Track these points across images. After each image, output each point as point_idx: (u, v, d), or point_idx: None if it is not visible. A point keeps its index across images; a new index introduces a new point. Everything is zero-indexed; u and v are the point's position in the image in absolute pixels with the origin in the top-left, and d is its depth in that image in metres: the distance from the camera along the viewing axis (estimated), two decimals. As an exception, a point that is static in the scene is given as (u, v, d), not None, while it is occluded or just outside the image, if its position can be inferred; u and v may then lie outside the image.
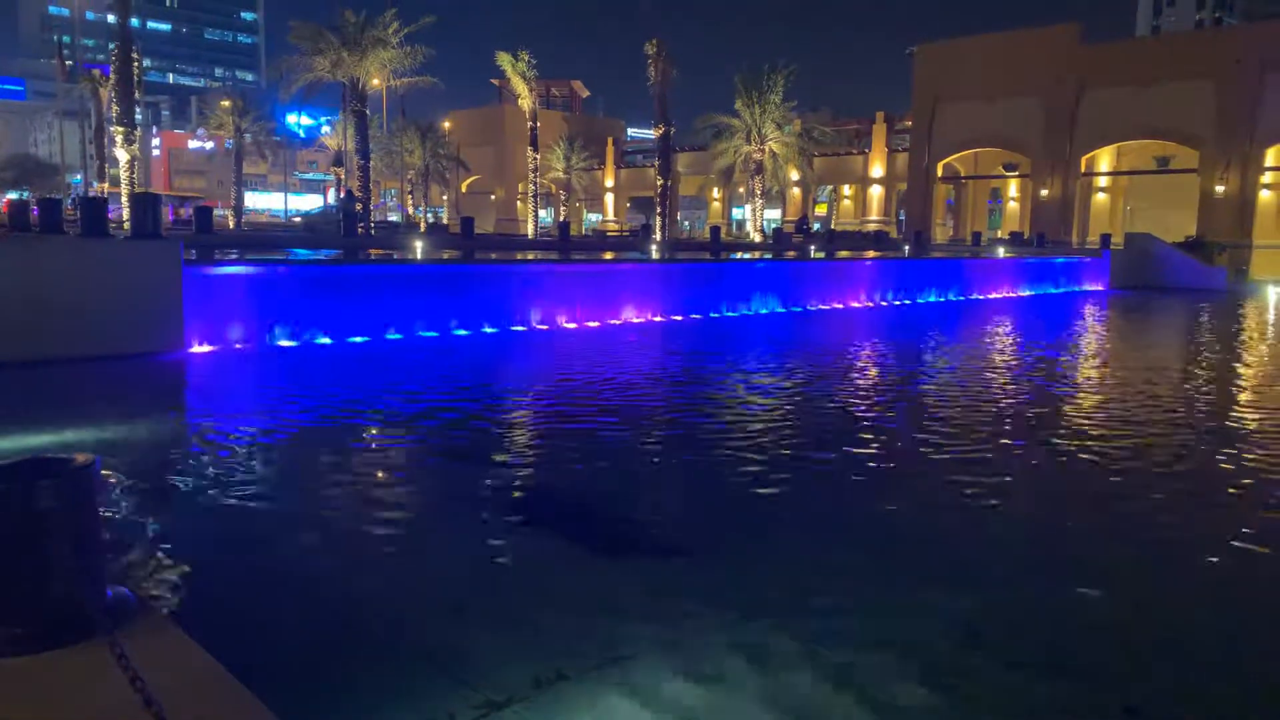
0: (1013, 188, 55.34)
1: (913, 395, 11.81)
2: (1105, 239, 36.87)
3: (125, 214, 28.94)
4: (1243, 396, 12.49)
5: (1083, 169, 46.90)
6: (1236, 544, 5.87)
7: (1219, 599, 5.08)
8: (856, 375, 13.67)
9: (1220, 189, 40.95)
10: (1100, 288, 33.64)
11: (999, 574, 5.35)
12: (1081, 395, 12.30)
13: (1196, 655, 4.34)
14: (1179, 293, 31.92)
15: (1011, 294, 29.72)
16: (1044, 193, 47.07)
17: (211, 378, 12.00)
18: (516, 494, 6.77)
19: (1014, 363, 15.41)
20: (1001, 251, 34.18)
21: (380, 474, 7.49)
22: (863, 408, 10.79)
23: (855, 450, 8.39)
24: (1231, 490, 7.32)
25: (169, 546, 5.27)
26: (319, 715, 3.50)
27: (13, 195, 78.60)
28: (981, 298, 28.22)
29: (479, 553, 5.35)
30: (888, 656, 4.09)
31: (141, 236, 13.05)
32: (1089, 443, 8.88)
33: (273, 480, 7.02)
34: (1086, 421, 10.21)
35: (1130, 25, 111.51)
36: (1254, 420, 10.45)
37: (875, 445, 8.73)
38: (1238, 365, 15.94)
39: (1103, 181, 49.59)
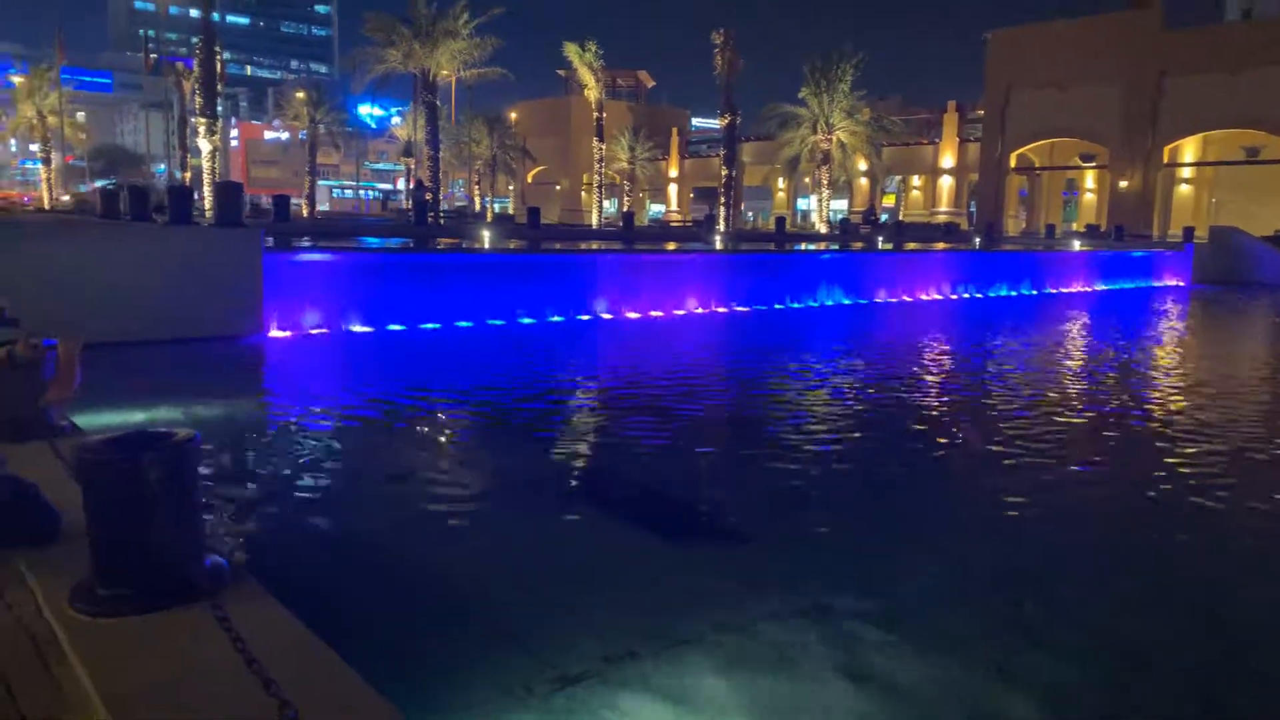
0: (1090, 179, 53.63)
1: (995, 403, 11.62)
2: (1188, 232, 35.52)
3: (207, 202, 29.99)
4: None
5: (1165, 160, 45.22)
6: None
7: None
8: (942, 381, 13.50)
9: (1313, 180, 39.11)
10: (1182, 283, 32.44)
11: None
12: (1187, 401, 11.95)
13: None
14: (1267, 288, 30.59)
15: (1086, 288, 28.88)
16: (1123, 184, 45.53)
17: (294, 360, 12.43)
18: (593, 476, 6.90)
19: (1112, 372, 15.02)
20: (1077, 244, 33.19)
21: (456, 454, 7.69)
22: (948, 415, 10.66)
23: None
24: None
25: (262, 518, 5.52)
26: (403, 684, 3.64)
27: (101, 183, 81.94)
28: (1054, 292, 27.49)
29: (556, 529, 5.48)
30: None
31: (225, 224, 13.54)
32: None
33: (360, 457, 7.26)
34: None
35: (1218, 9, 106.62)
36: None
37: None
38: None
39: (1186, 173, 47.74)
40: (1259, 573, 5.39)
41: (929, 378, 12.70)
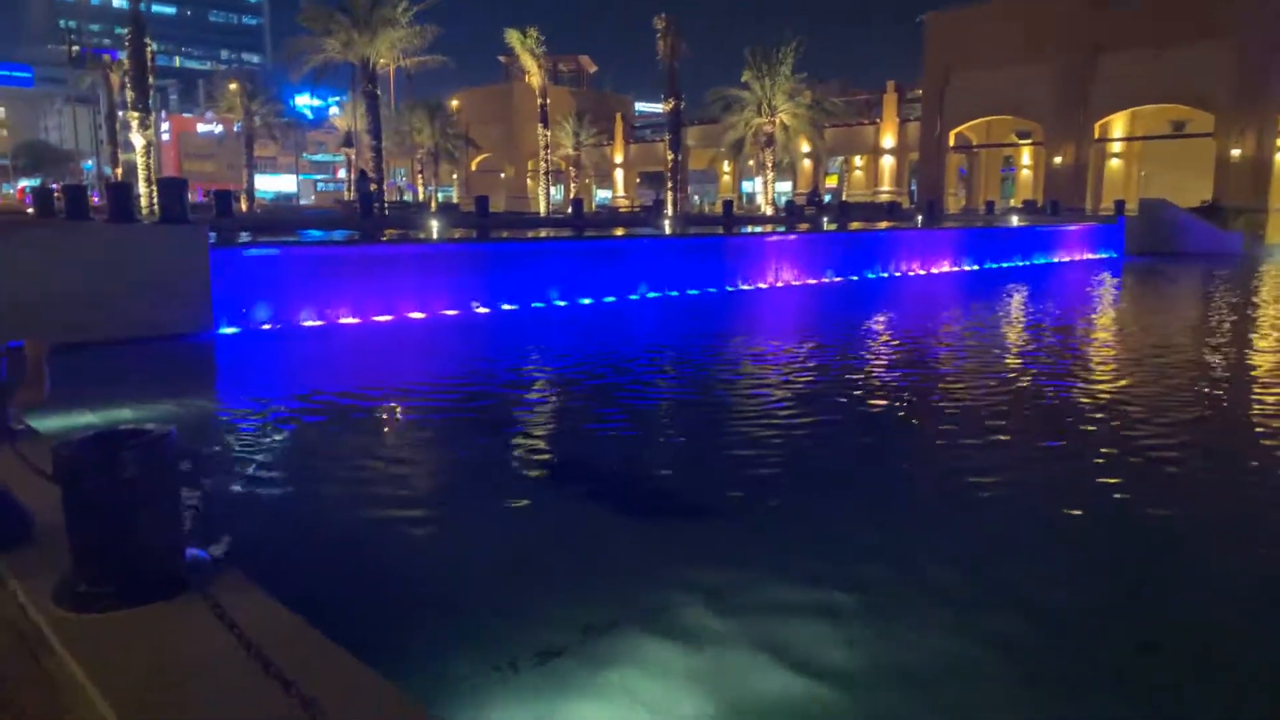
0: (1026, 156, 54.95)
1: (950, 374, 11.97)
2: (1119, 205, 36.71)
3: (144, 198, 29.20)
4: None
5: (1096, 135, 46.52)
6: None
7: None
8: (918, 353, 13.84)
9: (1236, 153, 40.60)
10: (1115, 255, 33.53)
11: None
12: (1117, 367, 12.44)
13: None
14: (1195, 258, 31.78)
15: (1025, 262, 29.69)
16: (1057, 160, 46.76)
17: (245, 356, 12.30)
18: (561, 462, 7.01)
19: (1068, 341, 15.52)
20: (1015, 220, 34.09)
21: (424, 443, 7.74)
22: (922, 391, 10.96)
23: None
24: None
25: (238, 513, 5.54)
26: (394, 663, 3.74)
27: (25, 183, 78.94)
28: (995, 266, 28.23)
29: (529, 512, 5.60)
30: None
31: (170, 221, 13.28)
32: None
33: (326, 451, 7.26)
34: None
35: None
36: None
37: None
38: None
39: (1117, 147, 49.18)
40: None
41: (885, 356, 13.03)
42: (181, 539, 3.74)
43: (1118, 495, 6.22)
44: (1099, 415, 8.58)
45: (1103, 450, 7.32)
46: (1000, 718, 3.57)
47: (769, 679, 3.65)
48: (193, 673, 2.97)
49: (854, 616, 4.20)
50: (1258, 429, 8.40)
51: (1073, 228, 33.53)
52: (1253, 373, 11.40)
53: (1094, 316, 17.92)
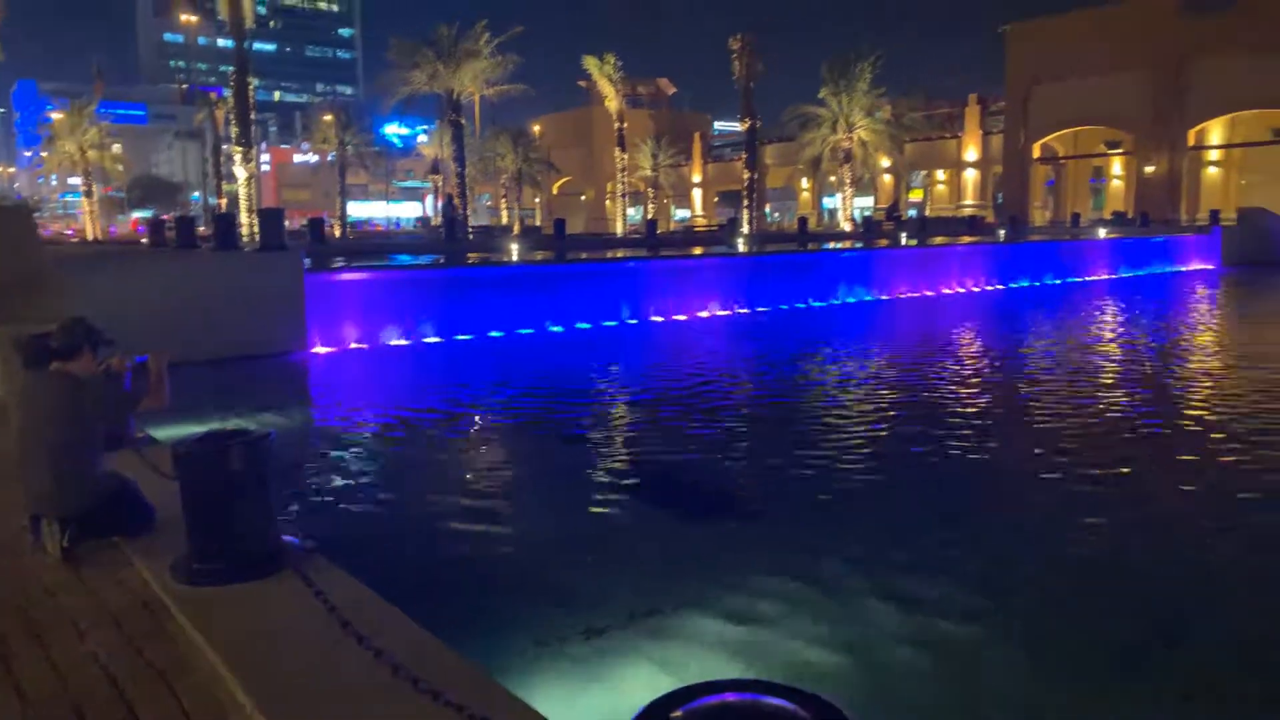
0: (1116, 166, 53.30)
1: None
2: (1214, 215, 35.39)
3: (245, 227, 31.04)
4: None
5: (1191, 143, 44.91)
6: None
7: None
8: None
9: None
10: (1211, 266, 32.35)
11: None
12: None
13: None
14: (1296, 268, 30.42)
15: (1111, 275, 28.95)
16: (1149, 170, 45.31)
17: (339, 374, 13.18)
18: (626, 469, 7.46)
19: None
20: (1102, 232, 33.23)
21: (497, 449, 8.29)
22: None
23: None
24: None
25: (328, 507, 6.15)
26: (453, 637, 4.22)
27: (138, 214, 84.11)
28: (1079, 280, 27.61)
29: (588, 511, 6.05)
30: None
31: (269, 248, 14.30)
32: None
33: (408, 457, 7.89)
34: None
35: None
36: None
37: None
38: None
39: (1214, 155, 47.34)
40: None
41: (960, 375, 13.11)
42: (277, 526, 4.31)
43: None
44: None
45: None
46: None
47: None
48: (287, 633, 3.50)
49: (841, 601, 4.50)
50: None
51: (1163, 239, 32.51)
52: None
53: (1186, 329, 17.49)
